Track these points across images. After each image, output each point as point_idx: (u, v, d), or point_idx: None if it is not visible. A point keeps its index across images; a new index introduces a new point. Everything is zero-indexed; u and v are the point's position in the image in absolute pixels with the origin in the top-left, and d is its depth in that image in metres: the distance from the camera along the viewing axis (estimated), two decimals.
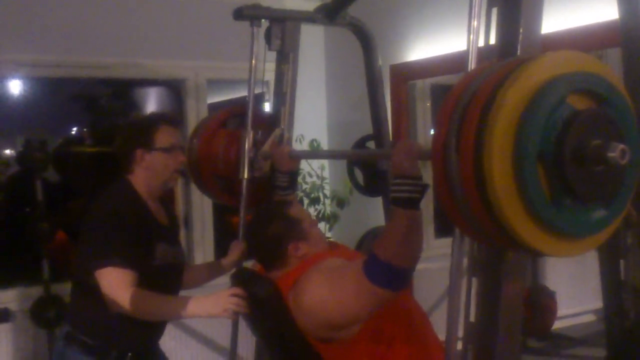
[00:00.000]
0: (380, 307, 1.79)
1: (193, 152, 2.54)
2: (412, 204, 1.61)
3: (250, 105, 2.48)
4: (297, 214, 2.10)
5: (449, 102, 1.24)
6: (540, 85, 1.14)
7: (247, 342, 2.57)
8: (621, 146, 1.13)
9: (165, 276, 2.28)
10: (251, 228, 2.22)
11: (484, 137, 1.13)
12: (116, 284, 2.08)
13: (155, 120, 2.31)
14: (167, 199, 2.47)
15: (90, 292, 2.12)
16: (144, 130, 2.26)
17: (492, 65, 1.26)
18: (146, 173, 2.26)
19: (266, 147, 2.44)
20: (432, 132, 4.21)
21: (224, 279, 2.40)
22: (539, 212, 1.15)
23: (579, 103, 1.18)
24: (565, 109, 1.15)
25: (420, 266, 1.72)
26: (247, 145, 2.43)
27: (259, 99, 4.23)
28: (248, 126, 2.44)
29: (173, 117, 2.44)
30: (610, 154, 1.13)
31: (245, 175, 2.43)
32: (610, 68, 1.26)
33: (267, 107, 4.31)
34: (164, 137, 2.26)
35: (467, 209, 1.21)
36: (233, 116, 2.61)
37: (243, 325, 2.28)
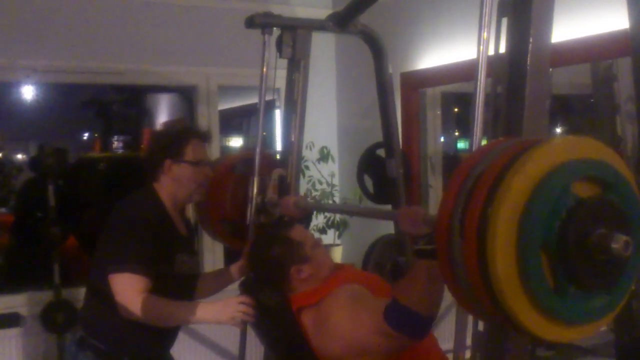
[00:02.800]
0: (399, 349, 1.80)
1: None
2: (427, 254, 1.62)
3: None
4: (299, 236, 2.07)
5: (453, 184, 1.23)
6: (545, 173, 1.13)
7: (256, 349, 2.56)
8: (624, 238, 1.13)
9: (179, 286, 2.28)
10: (252, 252, 2.21)
11: (488, 224, 1.12)
12: (128, 289, 2.09)
13: (188, 133, 2.33)
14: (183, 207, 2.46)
15: (105, 298, 2.13)
16: (175, 142, 2.29)
17: (498, 146, 1.25)
18: (172, 183, 2.29)
19: (269, 193, 2.41)
20: (442, 139, 4.21)
21: (233, 286, 2.41)
22: (542, 301, 1.14)
23: (583, 190, 1.17)
24: (569, 197, 1.14)
25: None
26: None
27: (269, 114, 4.23)
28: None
29: (205, 132, 2.41)
30: (614, 245, 1.13)
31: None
32: (616, 154, 1.25)
33: (278, 113, 4.33)
34: (193, 151, 2.29)
35: (469, 292, 1.21)
36: (242, 161, 2.56)
37: (252, 332, 2.29)
